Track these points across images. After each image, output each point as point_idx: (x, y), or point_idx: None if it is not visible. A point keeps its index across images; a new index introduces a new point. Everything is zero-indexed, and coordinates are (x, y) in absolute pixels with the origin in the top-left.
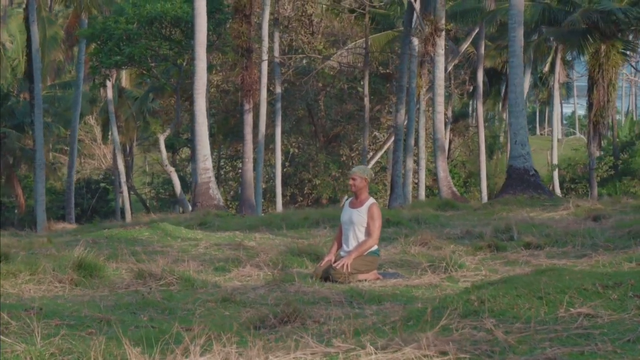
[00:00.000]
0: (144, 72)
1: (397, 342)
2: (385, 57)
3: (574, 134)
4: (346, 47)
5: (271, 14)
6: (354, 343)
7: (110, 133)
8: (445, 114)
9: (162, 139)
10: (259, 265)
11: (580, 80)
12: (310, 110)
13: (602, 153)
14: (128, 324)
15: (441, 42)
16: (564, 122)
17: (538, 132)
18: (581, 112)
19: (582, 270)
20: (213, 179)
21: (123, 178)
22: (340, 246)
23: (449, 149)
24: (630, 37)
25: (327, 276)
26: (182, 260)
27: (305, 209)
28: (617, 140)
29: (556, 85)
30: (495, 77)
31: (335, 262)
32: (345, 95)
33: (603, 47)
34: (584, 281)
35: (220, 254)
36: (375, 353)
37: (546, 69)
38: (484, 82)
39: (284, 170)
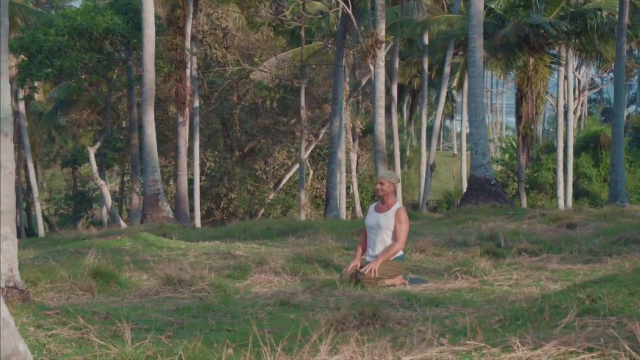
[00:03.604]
0: (74, 84)
1: (531, 339)
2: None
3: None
4: (279, 59)
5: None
6: (481, 341)
7: (16, 148)
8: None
9: (92, 153)
10: (277, 271)
11: None
12: (225, 124)
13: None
14: (201, 327)
15: (382, 54)
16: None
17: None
18: None
19: None
20: (162, 190)
21: (36, 194)
22: (364, 251)
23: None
24: (557, 51)
25: (355, 281)
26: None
27: (268, 220)
28: None
29: (464, 100)
30: (401, 92)
31: (361, 267)
32: (260, 109)
33: (532, 60)
34: None
35: (215, 263)
36: (520, 349)
37: (455, 83)
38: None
39: (201, 184)
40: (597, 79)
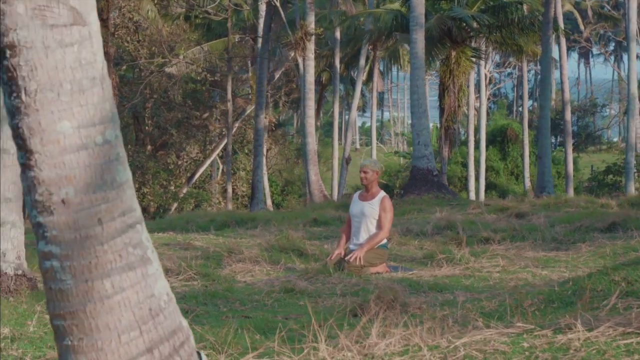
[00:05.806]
0: None
1: (592, 321)
2: (214, 65)
3: (367, 144)
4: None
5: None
6: (532, 323)
7: None
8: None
9: None
10: (256, 260)
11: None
12: (137, 117)
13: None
14: (214, 314)
15: (311, 47)
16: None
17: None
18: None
19: None
20: None
21: None
22: (348, 239)
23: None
24: (478, 44)
25: (339, 269)
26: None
27: (211, 212)
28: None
29: (374, 94)
30: None
31: (345, 255)
32: (173, 103)
33: (454, 53)
34: None
35: (180, 253)
36: (581, 330)
37: (364, 77)
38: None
39: None
40: (495, 75)
